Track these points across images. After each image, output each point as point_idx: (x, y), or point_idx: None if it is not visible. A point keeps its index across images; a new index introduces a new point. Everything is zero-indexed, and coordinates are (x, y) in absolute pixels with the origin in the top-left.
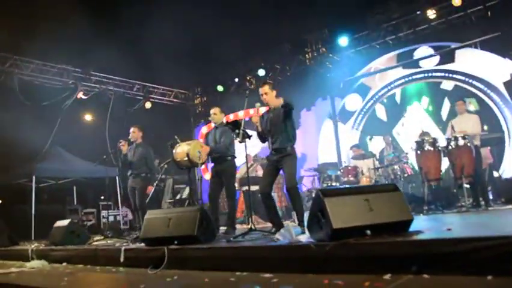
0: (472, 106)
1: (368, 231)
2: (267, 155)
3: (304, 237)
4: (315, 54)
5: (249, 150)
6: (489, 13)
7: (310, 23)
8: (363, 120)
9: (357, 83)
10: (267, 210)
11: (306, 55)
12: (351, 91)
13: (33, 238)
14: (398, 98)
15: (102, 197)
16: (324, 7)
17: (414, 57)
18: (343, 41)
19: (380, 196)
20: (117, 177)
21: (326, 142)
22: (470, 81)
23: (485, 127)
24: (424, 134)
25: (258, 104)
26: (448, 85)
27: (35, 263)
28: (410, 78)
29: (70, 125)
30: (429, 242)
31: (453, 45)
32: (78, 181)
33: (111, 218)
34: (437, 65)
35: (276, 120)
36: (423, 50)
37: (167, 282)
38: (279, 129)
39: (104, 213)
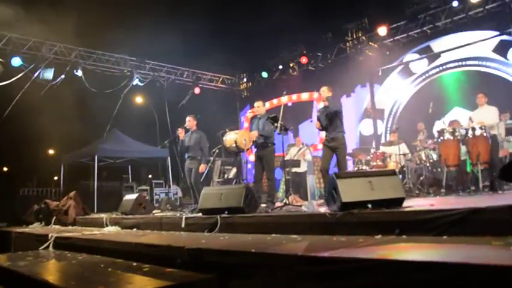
0: None
1: (369, 205)
2: (325, 142)
3: (323, 209)
4: (355, 42)
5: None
6: None
7: (351, 13)
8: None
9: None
10: (325, 181)
11: (347, 43)
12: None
13: (95, 210)
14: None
15: (149, 176)
16: None
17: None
18: (382, 30)
19: (381, 179)
20: (168, 158)
21: (365, 127)
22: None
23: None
24: (453, 122)
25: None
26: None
27: (111, 228)
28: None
29: (126, 109)
30: (408, 212)
31: (491, 33)
32: (133, 161)
33: (162, 195)
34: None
35: (331, 115)
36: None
37: (220, 240)
38: (334, 122)
39: (156, 190)
